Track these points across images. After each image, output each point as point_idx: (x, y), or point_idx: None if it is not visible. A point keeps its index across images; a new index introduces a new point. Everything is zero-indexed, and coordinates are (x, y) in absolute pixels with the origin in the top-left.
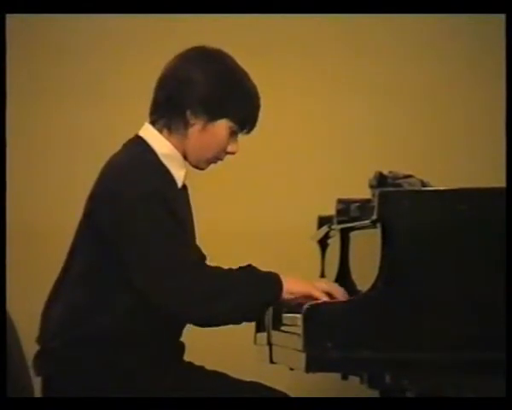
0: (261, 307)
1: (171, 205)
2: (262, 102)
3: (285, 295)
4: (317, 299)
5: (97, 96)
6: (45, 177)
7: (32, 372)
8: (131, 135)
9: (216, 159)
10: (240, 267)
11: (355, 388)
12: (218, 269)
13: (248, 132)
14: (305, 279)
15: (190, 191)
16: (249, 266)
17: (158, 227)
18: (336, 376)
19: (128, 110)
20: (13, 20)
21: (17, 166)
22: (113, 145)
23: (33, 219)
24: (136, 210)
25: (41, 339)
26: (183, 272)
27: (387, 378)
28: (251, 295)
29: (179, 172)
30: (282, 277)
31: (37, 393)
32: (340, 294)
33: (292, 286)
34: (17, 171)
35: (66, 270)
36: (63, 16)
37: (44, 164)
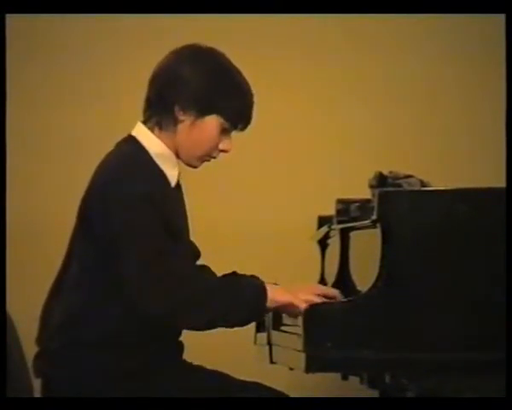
0: (247, 317)
1: (162, 209)
2: (262, 101)
3: (269, 303)
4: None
5: (97, 96)
6: (45, 177)
7: (31, 373)
8: None
9: (208, 156)
10: (225, 276)
11: (355, 388)
12: (203, 281)
13: (242, 130)
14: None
15: (190, 191)
16: (234, 274)
17: (144, 235)
18: (336, 376)
19: (128, 110)
20: (13, 20)
21: (17, 166)
22: (113, 145)
23: (33, 218)
24: (125, 213)
25: (40, 340)
26: (165, 285)
27: (387, 378)
28: (234, 311)
29: (172, 172)
30: (267, 285)
31: (37, 393)
32: (332, 294)
33: (275, 295)
34: (17, 171)
35: (63, 271)
36: (63, 16)
37: (44, 164)
